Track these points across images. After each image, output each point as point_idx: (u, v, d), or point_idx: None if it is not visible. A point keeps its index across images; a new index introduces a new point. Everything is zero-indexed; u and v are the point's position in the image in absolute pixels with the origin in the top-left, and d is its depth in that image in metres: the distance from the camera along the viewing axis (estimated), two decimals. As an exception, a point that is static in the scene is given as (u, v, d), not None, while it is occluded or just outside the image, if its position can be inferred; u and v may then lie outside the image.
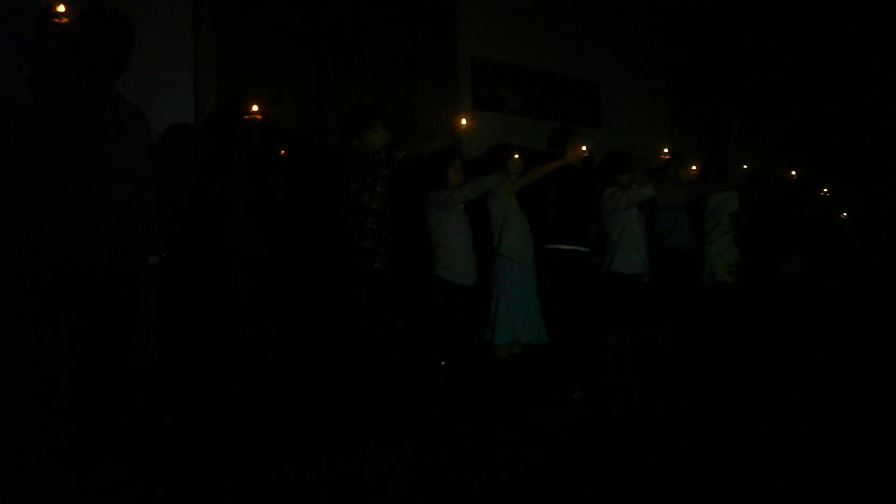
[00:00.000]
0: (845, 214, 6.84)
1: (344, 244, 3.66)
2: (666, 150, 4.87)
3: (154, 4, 3.62)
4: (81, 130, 2.68)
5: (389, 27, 4.73)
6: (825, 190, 6.52)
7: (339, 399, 3.62)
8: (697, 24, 6.78)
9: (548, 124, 5.08)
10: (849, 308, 6.91)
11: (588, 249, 4.67)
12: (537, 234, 4.45)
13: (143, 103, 3.13)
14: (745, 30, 7.25)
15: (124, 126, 2.81)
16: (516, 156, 4.15)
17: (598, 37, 5.94)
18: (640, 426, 4.26)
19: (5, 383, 2.76)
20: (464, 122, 3.86)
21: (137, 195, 2.80)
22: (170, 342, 3.62)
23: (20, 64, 2.66)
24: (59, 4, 2.48)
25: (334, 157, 3.96)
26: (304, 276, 3.88)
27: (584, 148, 4.36)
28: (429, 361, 4.01)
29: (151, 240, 2.92)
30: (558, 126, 4.86)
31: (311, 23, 4.33)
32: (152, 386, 3.48)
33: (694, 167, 4.83)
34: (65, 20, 2.49)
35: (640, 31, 6.27)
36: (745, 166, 5.13)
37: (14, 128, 2.99)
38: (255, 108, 3.36)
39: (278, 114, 4.02)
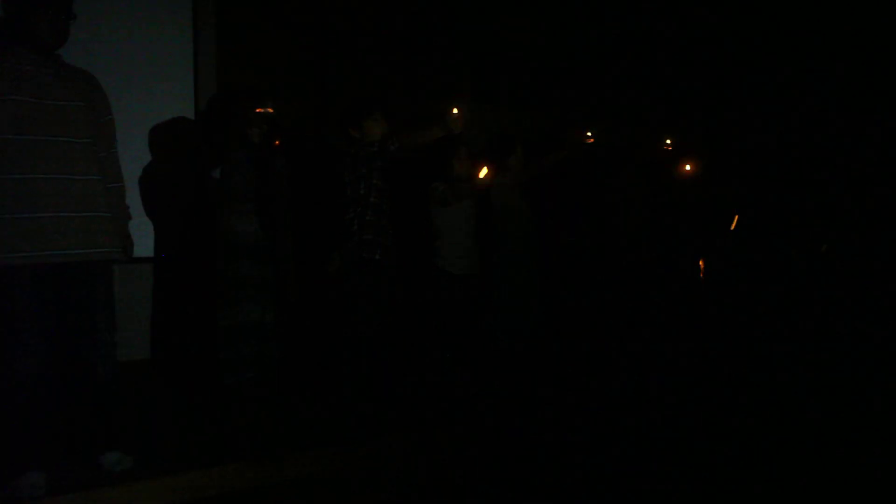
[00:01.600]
0: (737, 217, 6.18)
1: (345, 236, 3.64)
2: (668, 142, 4.85)
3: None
4: (18, 115, 2.47)
5: (391, 19, 4.70)
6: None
7: (339, 391, 3.62)
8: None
9: (547, 116, 5.08)
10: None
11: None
12: (537, 225, 4.44)
13: (142, 95, 3.10)
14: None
15: (67, 106, 2.58)
16: (485, 170, 3.89)
17: (597, 29, 5.92)
18: (639, 421, 4.26)
19: None
20: (455, 111, 3.83)
21: (77, 182, 2.58)
22: (166, 334, 3.61)
23: None
24: None
25: (334, 148, 3.95)
26: (304, 266, 3.86)
27: (588, 133, 4.33)
28: (431, 353, 3.99)
29: (110, 228, 2.69)
30: (557, 118, 4.85)
31: (313, 14, 4.31)
32: (147, 380, 3.47)
33: (688, 167, 4.72)
34: None
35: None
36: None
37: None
38: (267, 105, 3.33)
39: (278, 105, 4.00)
